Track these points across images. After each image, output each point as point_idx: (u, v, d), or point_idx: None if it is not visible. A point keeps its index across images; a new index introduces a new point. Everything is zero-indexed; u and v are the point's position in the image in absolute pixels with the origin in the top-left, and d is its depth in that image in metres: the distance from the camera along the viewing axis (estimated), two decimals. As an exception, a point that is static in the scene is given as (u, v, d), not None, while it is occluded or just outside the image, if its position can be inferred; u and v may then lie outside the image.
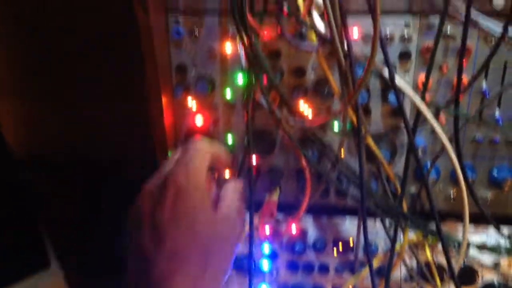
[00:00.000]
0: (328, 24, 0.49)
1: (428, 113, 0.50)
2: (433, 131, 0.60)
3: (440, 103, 0.61)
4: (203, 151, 0.52)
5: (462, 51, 0.48)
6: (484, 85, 0.60)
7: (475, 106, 0.61)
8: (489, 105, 0.60)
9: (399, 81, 0.51)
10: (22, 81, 0.75)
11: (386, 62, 0.49)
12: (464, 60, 0.58)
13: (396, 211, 0.55)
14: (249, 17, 0.51)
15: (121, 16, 0.59)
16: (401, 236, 0.61)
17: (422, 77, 0.60)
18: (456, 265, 0.53)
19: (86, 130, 0.75)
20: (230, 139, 0.66)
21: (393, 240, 0.57)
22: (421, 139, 0.63)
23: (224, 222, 0.51)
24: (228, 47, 0.62)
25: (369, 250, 0.54)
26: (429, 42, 0.59)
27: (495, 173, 0.63)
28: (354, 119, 0.52)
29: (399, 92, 0.50)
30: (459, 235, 0.66)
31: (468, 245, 0.63)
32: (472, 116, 0.53)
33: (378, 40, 0.43)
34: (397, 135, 0.63)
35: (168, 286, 0.47)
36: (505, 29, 0.47)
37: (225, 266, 0.52)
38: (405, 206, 0.57)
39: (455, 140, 0.53)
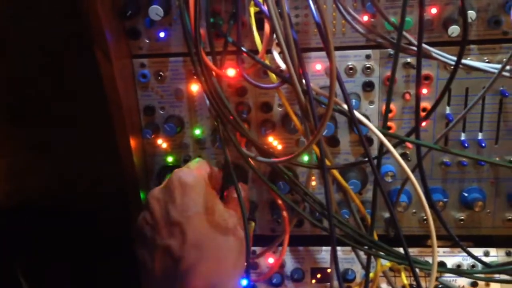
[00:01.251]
0: (285, 63, 0.50)
1: (389, 145, 0.50)
2: (401, 156, 0.61)
3: (406, 129, 0.62)
4: (201, 161, 0.59)
5: (418, 84, 0.48)
6: (447, 110, 0.61)
7: (440, 130, 0.62)
8: (453, 129, 0.61)
9: (359, 114, 0.51)
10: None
11: (345, 98, 0.50)
12: (426, 87, 0.60)
13: (367, 240, 0.55)
14: (207, 59, 0.52)
15: (84, 63, 0.60)
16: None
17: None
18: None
19: (61, 173, 0.75)
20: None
21: (367, 269, 0.58)
22: (390, 165, 0.63)
23: (234, 215, 0.55)
24: (194, 87, 0.63)
25: (341, 280, 0.54)
26: (390, 72, 0.60)
27: (466, 195, 0.63)
28: (318, 152, 0.53)
29: (359, 126, 0.51)
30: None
31: (443, 268, 0.63)
32: (434, 143, 0.53)
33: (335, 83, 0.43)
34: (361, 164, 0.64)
35: (195, 273, 0.50)
36: (459, 57, 0.48)
37: (242, 256, 0.55)
38: (375, 235, 0.57)
39: (419, 168, 0.53)
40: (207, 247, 0.51)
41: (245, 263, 0.56)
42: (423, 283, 0.64)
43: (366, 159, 0.53)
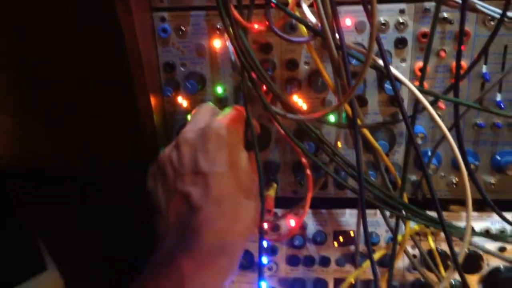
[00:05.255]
0: (318, 16, 0.47)
1: (426, 103, 0.48)
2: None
3: (439, 88, 0.59)
4: (238, 110, 0.56)
5: (461, 39, 0.45)
6: (484, 69, 0.58)
7: (475, 90, 0.59)
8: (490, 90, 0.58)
9: (395, 71, 0.49)
10: (8, 94, 0.73)
11: (381, 52, 0.47)
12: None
13: (396, 202, 0.53)
14: (235, 11, 0.49)
15: (103, 17, 0.57)
16: (403, 226, 0.60)
17: (419, 64, 0.58)
18: (460, 253, 0.52)
19: (75, 135, 0.73)
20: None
21: (395, 232, 0.56)
22: (420, 127, 0.61)
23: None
24: (217, 43, 0.60)
25: (369, 242, 0.52)
26: (425, 28, 0.57)
27: (498, 158, 0.61)
28: (350, 111, 0.50)
29: (395, 82, 0.48)
30: (463, 222, 0.65)
31: (472, 232, 0.61)
32: (473, 102, 0.50)
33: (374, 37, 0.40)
34: (395, 123, 0.61)
35: (209, 228, 0.48)
36: (505, 10, 0.45)
37: (257, 220, 0.54)
38: (405, 196, 0.56)
39: (456, 128, 0.51)
40: (228, 205, 0.50)
41: (257, 228, 0.55)
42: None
43: (400, 118, 0.50)
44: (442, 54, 0.57)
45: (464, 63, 0.57)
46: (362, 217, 0.51)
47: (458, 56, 0.47)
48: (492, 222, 0.64)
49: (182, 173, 0.51)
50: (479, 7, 0.47)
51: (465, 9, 0.45)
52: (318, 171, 0.62)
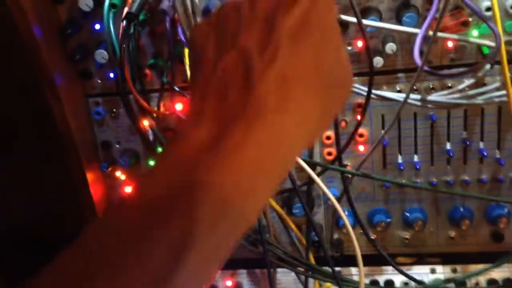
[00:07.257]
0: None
1: (312, 174, 0.54)
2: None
3: (346, 154, 0.65)
4: None
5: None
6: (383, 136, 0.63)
7: (378, 155, 0.64)
8: (391, 153, 0.64)
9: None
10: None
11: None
12: (360, 114, 0.63)
13: (301, 263, 0.58)
14: (139, 99, 0.56)
15: (34, 104, 0.64)
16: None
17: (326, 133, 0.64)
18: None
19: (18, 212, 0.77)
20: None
21: (305, 288, 0.61)
22: (334, 189, 0.66)
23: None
24: (146, 122, 0.67)
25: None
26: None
27: (407, 215, 0.66)
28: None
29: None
30: (385, 277, 0.69)
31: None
32: (356, 169, 0.56)
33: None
34: (312, 186, 0.67)
35: (266, 122, 0.29)
36: (369, 87, 0.51)
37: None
38: (312, 258, 0.60)
39: (346, 194, 0.56)
40: (303, 90, 0.31)
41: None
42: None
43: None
44: (343, 124, 0.63)
45: (364, 131, 0.63)
46: (268, 276, 0.56)
47: (336, 129, 0.53)
48: (417, 274, 0.67)
49: (250, 27, 0.32)
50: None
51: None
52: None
